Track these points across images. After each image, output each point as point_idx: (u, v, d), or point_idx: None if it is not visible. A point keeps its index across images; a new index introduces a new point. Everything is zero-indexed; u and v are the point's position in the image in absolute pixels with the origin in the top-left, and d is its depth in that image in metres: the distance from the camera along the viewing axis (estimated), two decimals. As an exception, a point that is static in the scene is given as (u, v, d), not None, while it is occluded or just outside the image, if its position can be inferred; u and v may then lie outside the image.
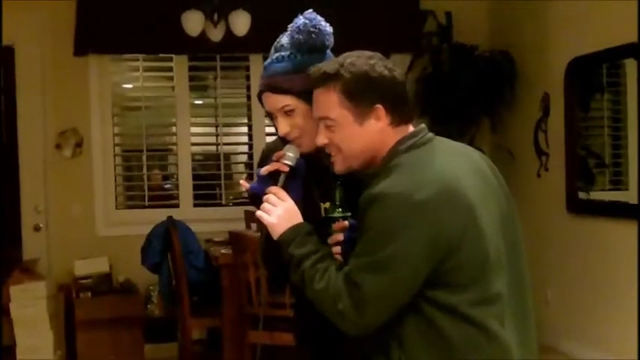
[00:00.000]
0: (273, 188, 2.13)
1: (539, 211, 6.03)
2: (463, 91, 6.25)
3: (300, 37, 2.17)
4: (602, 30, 5.29)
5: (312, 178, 2.24)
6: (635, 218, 4.92)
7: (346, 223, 2.13)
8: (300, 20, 2.19)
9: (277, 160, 2.19)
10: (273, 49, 2.25)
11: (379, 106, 2.01)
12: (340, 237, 2.12)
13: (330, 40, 2.22)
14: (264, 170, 2.19)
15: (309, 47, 2.17)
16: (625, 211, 5.10)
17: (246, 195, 6.92)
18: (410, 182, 1.91)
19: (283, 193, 2.12)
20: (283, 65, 2.17)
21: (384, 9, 6.46)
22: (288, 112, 2.17)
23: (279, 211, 2.08)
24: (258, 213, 2.11)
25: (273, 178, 2.17)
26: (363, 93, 2.01)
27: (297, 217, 2.09)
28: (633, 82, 4.98)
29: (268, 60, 2.23)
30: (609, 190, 5.56)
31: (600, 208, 5.39)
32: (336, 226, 2.14)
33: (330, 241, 2.12)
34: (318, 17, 2.21)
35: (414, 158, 1.99)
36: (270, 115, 2.24)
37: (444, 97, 6.23)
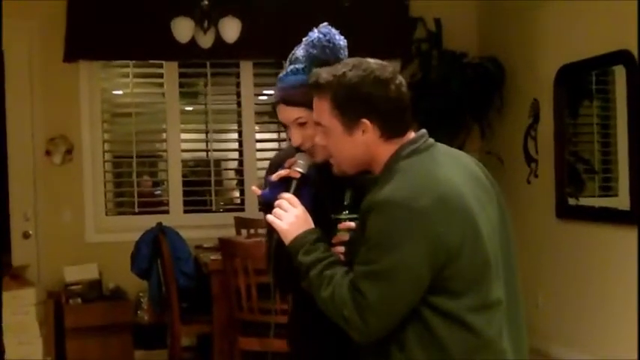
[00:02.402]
0: (284, 194, 2.17)
1: (529, 217, 6.05)
2: (452, 98, 6.26)
3: (314, 51, 2.21)
4: (591, 37, 5.31)
5: (324, 187, 2.26)
6: (624, 224, 4.94)
7: (352, 224, 2.15)
8: (314, 34, 2.23)
9: (289, 167, 2.24)
10: (287, 60, 2.29)
11: (365, 120, 2.03)
12: (345, 237, 2.15)
13: (344, 54, 2.25)
14: (276, 176, 2.24)
15: (323, 61, 2.19)
16: (614, 216, 5.12)
17: (236, 201, 7.01)
18: (410, 190, 1.93)
19: (294, 200, 2.15)
20: (297, 78, 2.22)
21: (374, 15, 6.47)
22: (302, 124, 2.22)
23: (290, 218, 2.11)
24: (270, 218, 2.14)
25: (284, 185, 2.21)
26: (350, 106, 2.04)
27: (307, 224, 2.12)
28: (622, 89, 5.00)
29: (283, 72, 2.28)
30: (599, 196, 5.57)
31: (590, 214, 5.40)
32: (341, 225, 2.17)
33: (334, 240, 2.15)
34: (333, 31, 2.24)
35: (415, 164, 2.01)
36: (284, 125, 2.28)
37: (433, 104, 6.23)
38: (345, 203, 2.19)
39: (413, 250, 1.89)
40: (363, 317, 1.93)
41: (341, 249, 2.13)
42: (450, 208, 1.93)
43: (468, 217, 1.95)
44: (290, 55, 2.29)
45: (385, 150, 2.06)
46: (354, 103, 2.03)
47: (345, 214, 2.18)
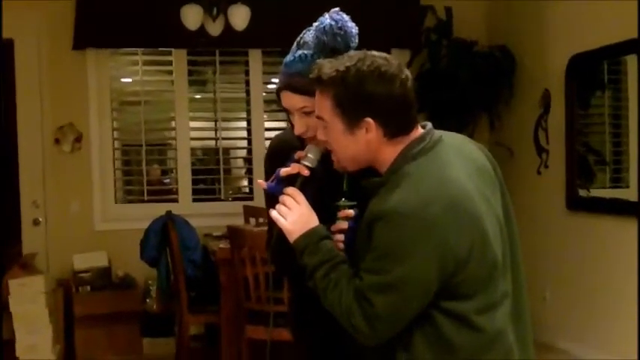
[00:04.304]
0: (289, 189, 2.10)
1: (539, 208, 6.02)
2: (461, 88, 6.22)
3: (325, 38, 2.11)
4: (602, 26, 5.27)
5: (327, 175, 2.19)
6: (635, 216, 4.91)
7: (351, 212, 2.11)
8: (326, 20, 2.12)
9: (298, 160, 2.15)
10: (295, 44, 2.19)
11: (369, 120, 1.96)
12: (344, 225, 2.11)
13: (355, 42, 2.15)
14: (284, 172, 2.15)
15: (333, 49, 2.10)
16: (625, 208, 5.08)
17: (245, 190, 7.01)
18: (420, 198, 1.88)
19: (300, 196, 2.08)
20: (305, 65, 2.10)
21: (384, 4, 6.44)
22: (307, 113, 2.13)
23: (294, 216, 2.06)
24: (274, 215, 2.08)
25: (290, 177, 2.14)
26: (352, 105, 1.96)
27: (312, 222, 2.06)
28: (634, 79, 4.96)
29: (290, 56, 2.18)
30: (609, 187, 5.54)
31: (600, 206, 5.37)
32: (340, 214, 2.13)
33: (333, 228, 2.11)
34: (345, 17, 2.14)
35: (422, 167, 1.95)
36: (287, 112, 2.20)
37: (443, 94, 6.20)
38: (344, 190, 2.15)
39: (423, 261, 1.86)
40: (371, 325, 1.91)
41: (340, 237, 2.10)
42: (459, 213, 1.89)
43: (477, 220, 1.92)
44: (298, 39, 2.20)
45: (389, 149, 2.00)
46: (357, 102, 1.96)
47: (343, 201, 2.14)
